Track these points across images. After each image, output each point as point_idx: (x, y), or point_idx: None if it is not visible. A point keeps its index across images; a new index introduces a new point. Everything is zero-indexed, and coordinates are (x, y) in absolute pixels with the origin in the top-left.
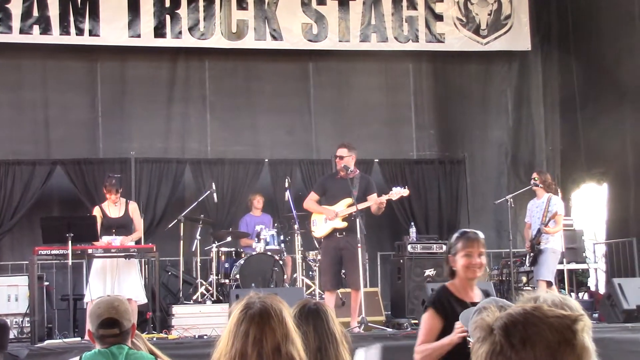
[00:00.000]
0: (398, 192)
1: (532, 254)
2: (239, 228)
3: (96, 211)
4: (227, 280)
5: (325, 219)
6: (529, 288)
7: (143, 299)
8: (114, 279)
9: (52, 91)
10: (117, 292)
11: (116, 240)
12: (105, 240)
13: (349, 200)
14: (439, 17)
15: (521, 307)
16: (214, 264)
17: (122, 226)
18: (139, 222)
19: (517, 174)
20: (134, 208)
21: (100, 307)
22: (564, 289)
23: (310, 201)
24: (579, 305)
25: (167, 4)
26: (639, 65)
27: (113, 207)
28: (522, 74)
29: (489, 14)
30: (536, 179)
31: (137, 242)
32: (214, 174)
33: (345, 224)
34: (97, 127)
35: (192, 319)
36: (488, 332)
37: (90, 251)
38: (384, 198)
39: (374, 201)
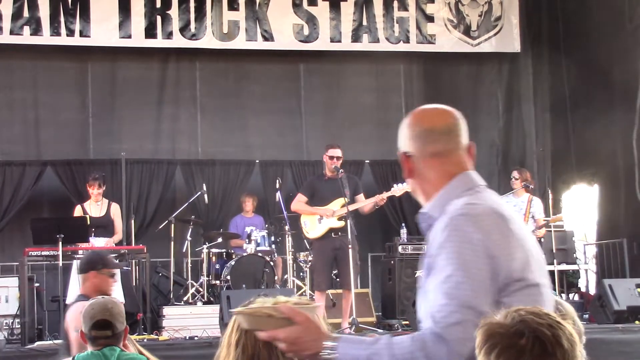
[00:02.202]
0: (402, 188)
1: None
2: (229, 229)
3: (78, 210)
4: (217, 282)
5: (320, 219)
6: None
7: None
8: None
9: (42, 92)
10: None
11: (99, 242)
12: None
13: (342, 201)
14: (430, 18)
15: (506, 313)
16: (204, 265)
17: (102, 226)
18: (119, 225)
19: (508, 174)
20: (115, 209)
21: (94, 308)
22: (555, 290)
23: (299, 203)
24: (572, 308)
25: (158, 5)
26: (629, 66)
27: (95, 206)
28: (512, 75)
29: (480, 15)
30: (517, 177)
31: (119, 243)
32: (204, 175)
33: (342, 224)
34: (87, 128)
35: (183, 320)
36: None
37: (80, 252)
38: (386, 195)
39: (374, 199)
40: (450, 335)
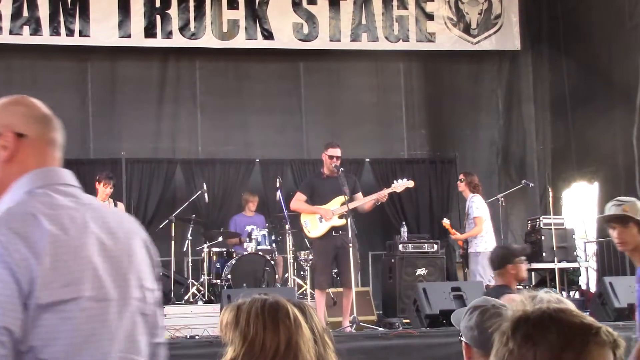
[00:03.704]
0: (403, 184)
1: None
2: (229, 228)
3: None
4: (218, 281)
5: (320, 218)
6: (520, 287)
7: None
8: None
9: (42, 91)
10: None
11: None
12: None
13: (341, 199)
14: (430, 17)
15: (547, 306)
16: (205, 264)
17: None
18: None
19: (508, 173)
20: (121, 208)
21: None
22: (555, 288)
23: (299, 202)
24: (574, 307)
25: (158, 4)
26: (630, 63)
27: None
28: (512, 73)
29: (480, 14)
30: (462, 179)
31: None
32: (205, 174)
33: (343, 222)
34: (87, 128)
35: (184, 319)
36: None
37: None
38: (387, 191)
39: (376, 196)
40: None
